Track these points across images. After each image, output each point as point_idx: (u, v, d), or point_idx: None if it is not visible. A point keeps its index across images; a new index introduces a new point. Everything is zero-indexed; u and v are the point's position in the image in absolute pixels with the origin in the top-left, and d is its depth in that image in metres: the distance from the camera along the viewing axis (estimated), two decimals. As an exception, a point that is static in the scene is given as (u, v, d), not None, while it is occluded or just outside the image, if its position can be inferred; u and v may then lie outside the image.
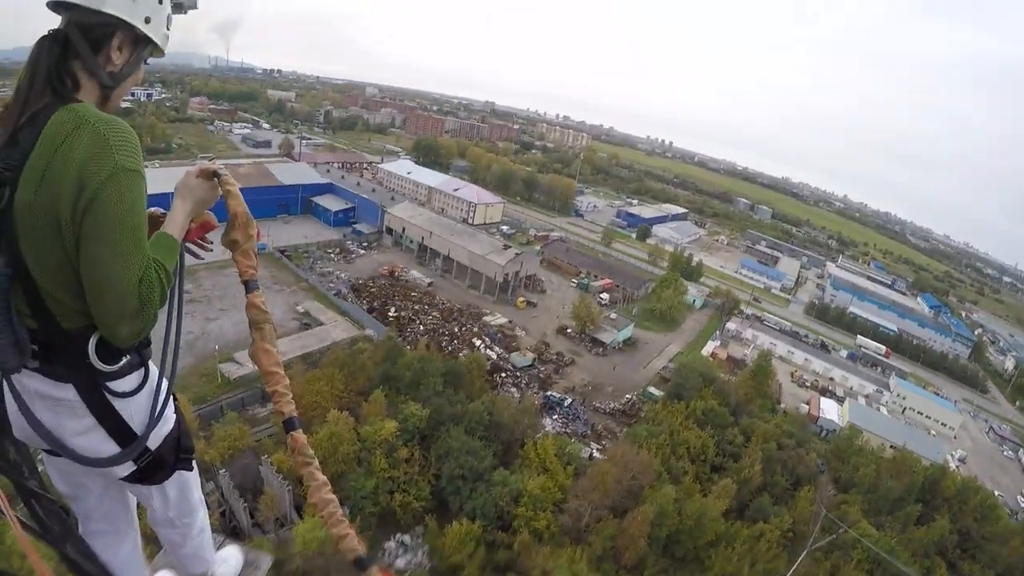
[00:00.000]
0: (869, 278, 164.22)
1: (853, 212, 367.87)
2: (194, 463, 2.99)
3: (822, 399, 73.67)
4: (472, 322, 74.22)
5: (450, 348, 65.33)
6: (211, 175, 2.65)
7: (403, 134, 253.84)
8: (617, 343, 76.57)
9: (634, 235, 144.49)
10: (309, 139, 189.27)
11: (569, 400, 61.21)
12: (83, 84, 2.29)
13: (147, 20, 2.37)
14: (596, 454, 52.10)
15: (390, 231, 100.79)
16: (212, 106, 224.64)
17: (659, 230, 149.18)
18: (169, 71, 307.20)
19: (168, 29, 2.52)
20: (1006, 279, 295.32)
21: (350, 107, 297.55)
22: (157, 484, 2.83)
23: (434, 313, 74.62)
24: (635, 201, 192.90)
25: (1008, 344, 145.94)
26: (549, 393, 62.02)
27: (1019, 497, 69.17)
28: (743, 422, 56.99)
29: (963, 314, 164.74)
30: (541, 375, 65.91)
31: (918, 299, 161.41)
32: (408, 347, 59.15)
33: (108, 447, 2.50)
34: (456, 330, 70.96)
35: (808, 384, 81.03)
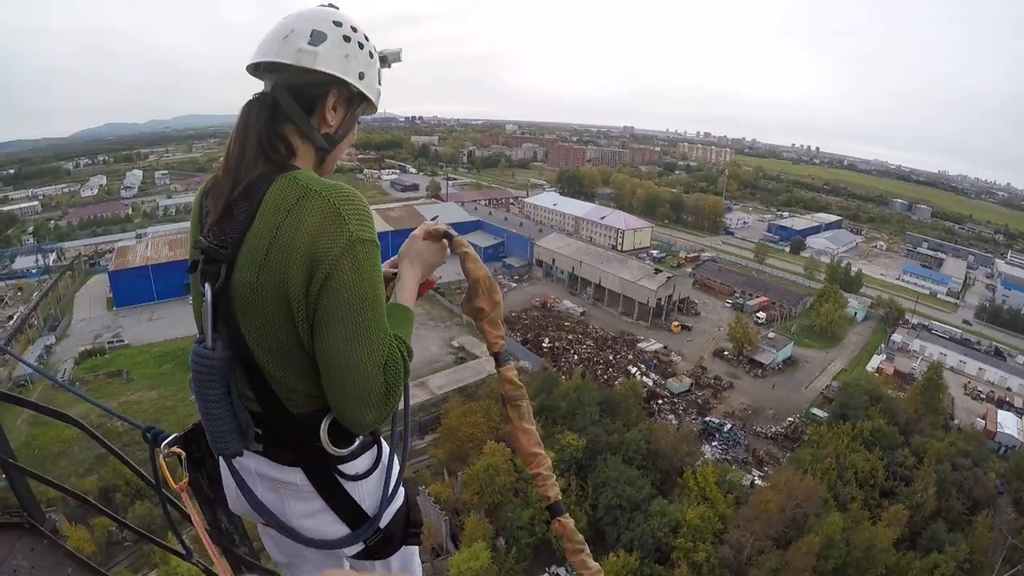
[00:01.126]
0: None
1: (1019, 200, 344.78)
2: (421, 536, 2.73)
3: (999, 412, 68.38)
4: (626, 349, 74.26)
5: (605, 376, 65.66)
6: (440, 236, 2.56)
7: (545, 167, 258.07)
8: (776, 363, 74.68)
9: (787, 249, 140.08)
10: (455, 179, 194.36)
11: (729, 425, 60.31)
12: (298, 149, 2.17)
13: (361, 76, 2.22)
14: (758, 481, 50.89)
15: (540, 263, 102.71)
16: (360, 155, 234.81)
17: (813, 241, 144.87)
18: None
19: (380, 84, 2.38)
20: None
21: (491, 145, 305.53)
22: (382, 559, 2.59)
23: (588, 342, 75.12)
24: (786, 213, 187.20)
25: None
26: (708, 418, 61.22)
27: None
28: (914, 441, 53.74)
29: None
30: (699, 400, 65.12)
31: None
32: (563, 377, 59.86)
33: (337, 528, 2.34)
34: (611, 358, 71.19)
35: (983, 396, 75.48)
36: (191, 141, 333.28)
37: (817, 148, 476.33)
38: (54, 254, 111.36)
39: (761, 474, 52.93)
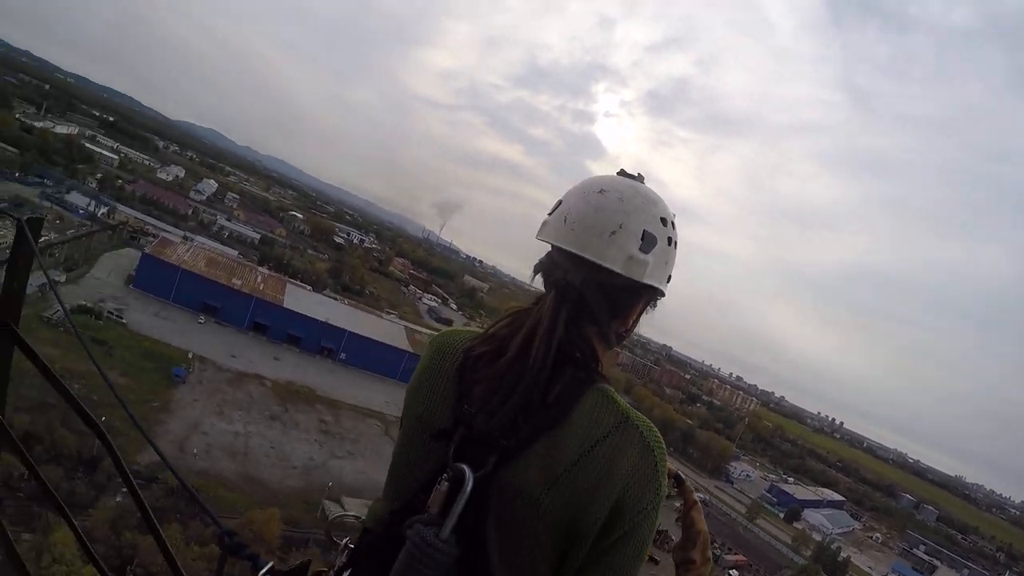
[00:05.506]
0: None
1: None
2: None
3: None
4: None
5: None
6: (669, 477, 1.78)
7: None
8: (738, 627, 73.55)
9: (782, 515, 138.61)
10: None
11: None
12: (601, 354, 1.75)
13: (668, 280, 1.82)
14: None
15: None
16: (412, 271, 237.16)
17: (810, 515, 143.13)
18: (386, 226, 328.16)
19: None
20: None
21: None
22: None
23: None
24: (791, 479, 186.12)
25: None
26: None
27: None
28: None
29: None
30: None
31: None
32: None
33: None
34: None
35: None
36: (271, 184, 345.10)
37: (841, 423, 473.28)
38: (106, 209, 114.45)
39: None
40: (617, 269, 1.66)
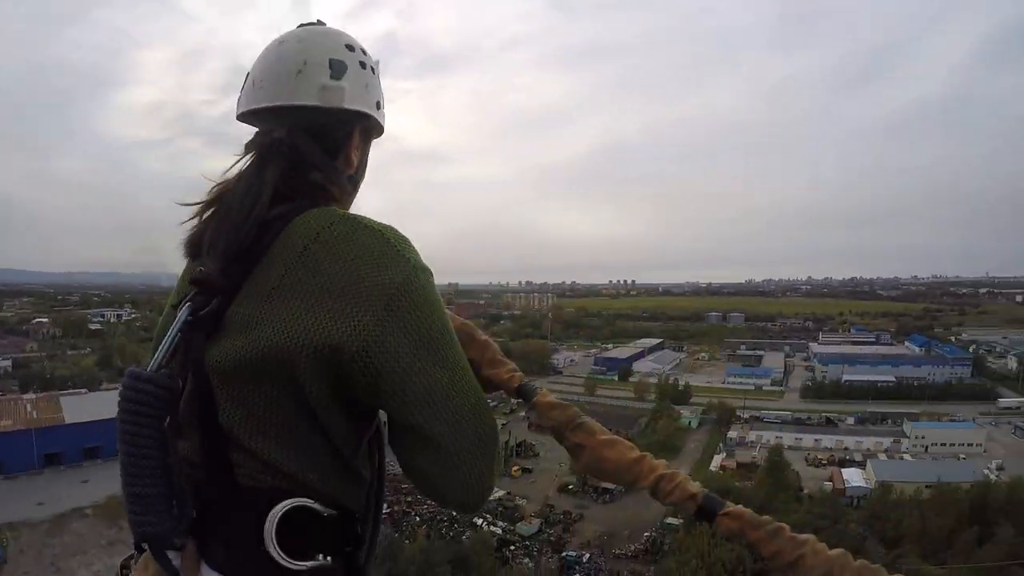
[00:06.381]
0: (853, 343, 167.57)
1: (821, 289, 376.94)
2: None
3: (843, 470, 71.98)
4: (469, 502, 70.60)
5: (451, 533, 61.78)
6: None
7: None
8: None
9: (616, 378, 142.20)
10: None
11: (587, 555, 57.65)
12: (335, 195, 1.62)
13: (378, 105, 1.70)
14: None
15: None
16: None
17: (639, 366, 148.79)
18: (139, 292, 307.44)
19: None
20: (982, 291, 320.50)
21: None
22: None
23: (428, 501, 71.09)
24: (611, 345, 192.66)
25: (1004, 346, 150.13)
26: (564, 554, 58.03)
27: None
28: (772, 520, 53.72)
29: (952, 339, 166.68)
30: (552, 538, 62.19)
31: (906, 344, 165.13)
32: (407, 541, 55.88)
33: None
34: (454, 513, 67.57)
35: (825, 462, 79.40)
36: (2, 300, 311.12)
37: (633, 281, 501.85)
38: None
39: (631, 594, 50.78)
40: (313, 102, 1.55)
